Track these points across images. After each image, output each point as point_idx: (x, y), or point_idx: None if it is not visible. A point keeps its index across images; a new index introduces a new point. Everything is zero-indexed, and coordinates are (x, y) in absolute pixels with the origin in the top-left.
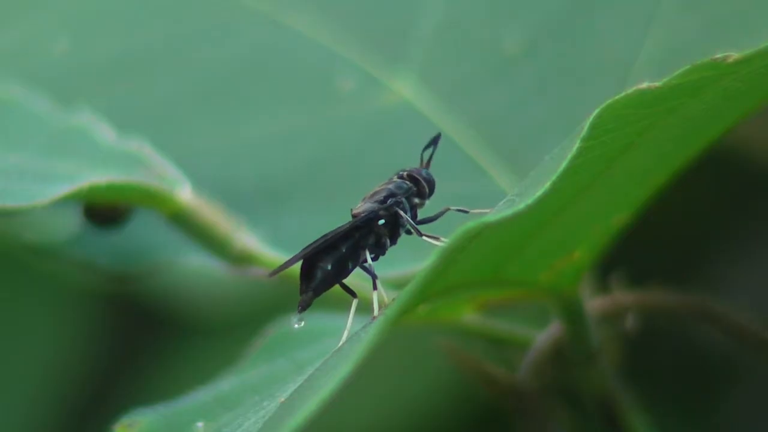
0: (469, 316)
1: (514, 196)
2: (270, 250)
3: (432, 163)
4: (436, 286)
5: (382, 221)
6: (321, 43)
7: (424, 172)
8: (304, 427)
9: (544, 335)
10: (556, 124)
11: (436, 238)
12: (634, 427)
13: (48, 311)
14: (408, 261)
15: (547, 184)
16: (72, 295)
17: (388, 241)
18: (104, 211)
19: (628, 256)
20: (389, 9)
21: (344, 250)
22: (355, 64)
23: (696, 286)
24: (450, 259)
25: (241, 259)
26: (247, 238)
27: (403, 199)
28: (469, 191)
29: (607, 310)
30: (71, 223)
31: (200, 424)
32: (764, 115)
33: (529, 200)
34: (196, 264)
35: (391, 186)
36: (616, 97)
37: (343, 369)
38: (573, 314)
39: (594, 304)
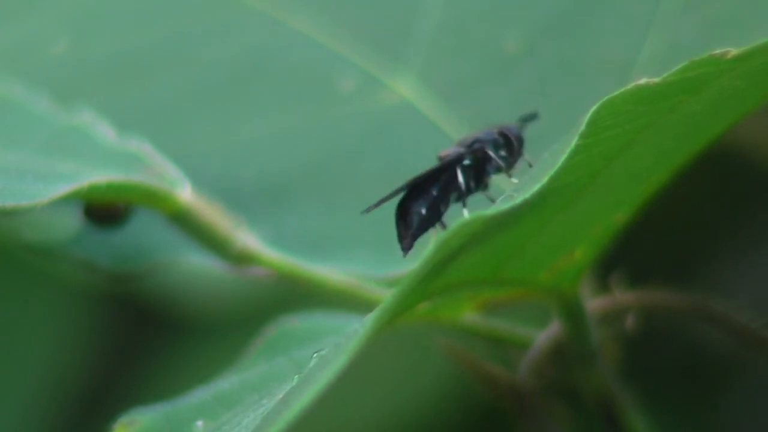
0: (469, 315)
1: (512, 192)
2: (270, 249)
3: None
4: (436, 284)
5: (467, 161)
6: (321, 42)
7: (515, 130)
8: (300, 420)
9: (544, 335)
10: (557, 123)
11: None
12: (634, 427)
13: (48, 311)
14: (408, 261)
15: (545, 180)
16: (72, 295)
17: (473, 185)
18: (104, 211)
19: (628, 256)
20: (389, 9)
21: (435, 194)
22: (355, 64)
23: (696, 286)
24: (447, 250)
25: (241, 259)
26: (247, 238)
27: (491, 147)
28: None
29: (607, 310)
30: (71, 223)
31: (200, 423)
32: (764, 114)
33: (527, 195)
34: (196, 264)
35: (479, 134)
36: (615, 93)
37: (338, 361)
38: (573, 314)
39: (594, 304)
